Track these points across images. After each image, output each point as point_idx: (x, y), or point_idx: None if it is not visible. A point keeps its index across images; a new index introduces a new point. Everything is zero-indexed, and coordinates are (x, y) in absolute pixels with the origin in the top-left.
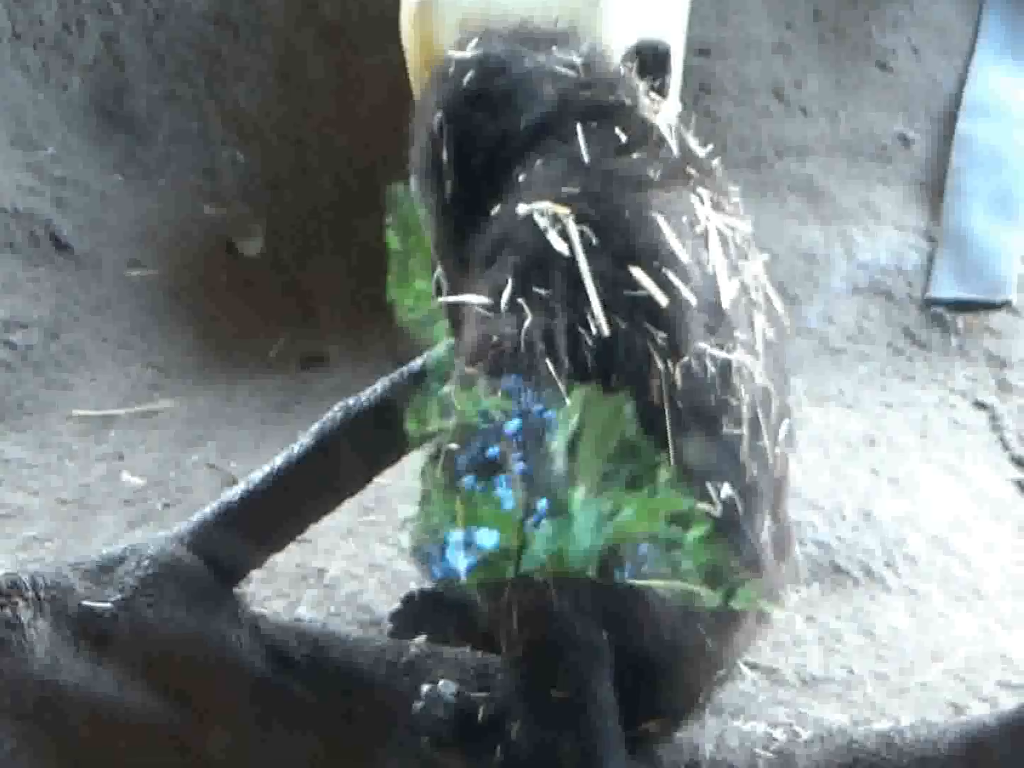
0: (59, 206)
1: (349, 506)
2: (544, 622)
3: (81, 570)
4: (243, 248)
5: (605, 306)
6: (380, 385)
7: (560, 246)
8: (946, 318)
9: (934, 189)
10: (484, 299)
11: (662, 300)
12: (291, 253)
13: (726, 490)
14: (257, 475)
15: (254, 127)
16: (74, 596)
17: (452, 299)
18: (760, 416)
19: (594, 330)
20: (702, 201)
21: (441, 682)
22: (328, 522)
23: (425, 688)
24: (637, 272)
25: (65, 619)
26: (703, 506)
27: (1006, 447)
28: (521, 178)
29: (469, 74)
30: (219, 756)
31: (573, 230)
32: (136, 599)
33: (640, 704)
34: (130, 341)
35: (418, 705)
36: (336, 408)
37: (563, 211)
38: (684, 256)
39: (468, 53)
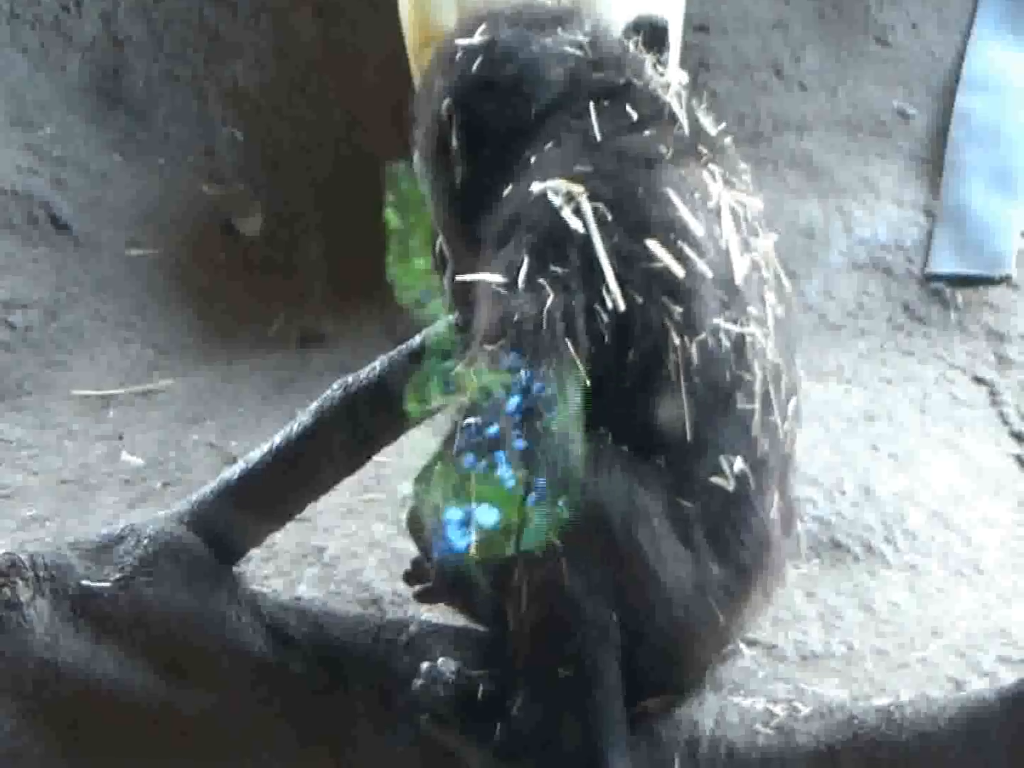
0: (58, 186)
1: (348, 484)
2: (554, 600)
3: (81, 549)
4: (242, 227)
5: (621, 281)
6: (379, 363)
7: (575, 223)
8: (945, 293)
9: (933, 164)
10: (500, 278)
11: (679, 271)
12: (289, 232)
13: (739, 464)
14: (256, 454)
15: (252, 106)
16: (73, 575)
17: (468, 277)
18: (772, 392)
19: (610, 305)
20: (714, 178)
21: (440, 660)
22: (327, 500)
23: (424, 666)
24: (653, 244)
25: (65, 598)
26: (716, 480)
27: (1005, 422)
28: (533, 159)
29: (477, 61)
30: (218, 734)
31: (587, 207)
32: (135, 578)
33: (647, 680)
34: (129, 320)
35: (417, 683)
36: (335, 386)
37: (576, 188)
38: (698, 230)
39: (475, 39)
